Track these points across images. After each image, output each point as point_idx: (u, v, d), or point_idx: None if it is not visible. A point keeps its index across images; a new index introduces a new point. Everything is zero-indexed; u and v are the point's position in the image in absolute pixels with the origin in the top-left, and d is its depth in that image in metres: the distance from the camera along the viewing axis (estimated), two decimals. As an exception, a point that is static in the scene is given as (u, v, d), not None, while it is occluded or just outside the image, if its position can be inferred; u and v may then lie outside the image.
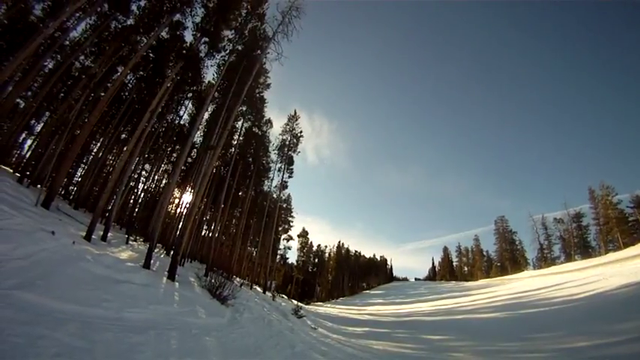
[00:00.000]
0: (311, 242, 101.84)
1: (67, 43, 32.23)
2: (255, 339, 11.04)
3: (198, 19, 26.60)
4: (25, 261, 7.74)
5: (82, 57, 33.88)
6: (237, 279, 37.81)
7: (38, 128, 40.80)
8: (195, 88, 36.87)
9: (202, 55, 27.94)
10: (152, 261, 16.33)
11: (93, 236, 16.37)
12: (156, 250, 16.91)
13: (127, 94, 37.47)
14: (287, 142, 48.52)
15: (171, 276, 15.37)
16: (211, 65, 32.92)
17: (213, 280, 16.56)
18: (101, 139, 40.48)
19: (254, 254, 61.28)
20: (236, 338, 10.01)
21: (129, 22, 31.12)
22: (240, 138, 38.98)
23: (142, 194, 46.23)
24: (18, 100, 32.15)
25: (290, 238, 66.12)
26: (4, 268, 6.75)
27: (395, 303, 61.80)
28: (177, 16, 27.25)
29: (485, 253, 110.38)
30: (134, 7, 29.97)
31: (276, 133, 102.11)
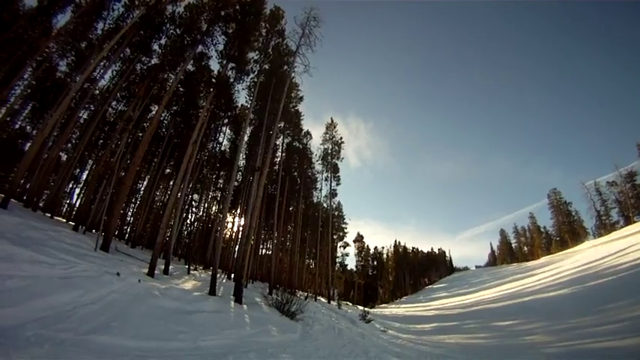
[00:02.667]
0: (367, 246, 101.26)
1: (97, 92, 33.13)
2: (330, 350, 10.98)
3: (220, 47, 26.77)
4: (96, 305, 7.86)
5: (114, 102, 34.72)
6: (300, 293, 37.90)
7: (84, 175, 41.94)
8: (230, 113, 37.14)
9: (232, 80, 28.17)
10: (216, 287, 16.51)
11: (155, 271, 16.76)
12: (217, 276, 16.99)
13: (164, 130, 38.15)
14: (329, 151, 48.37)
15: (238, 299, 15.51)
16: (242, 89, 33.27)
17: (279, 298, 16.58)
18: (147, 177, 41.32)
19: (312, 266, 61.46)
20: (311, 352, 9.97)
21: (153, 62, 31.86)
22: (283, 154, 38.92)
23: (195, 223, 46.64)
24: (60, 153, 33.12)
25: (346, 244, 65.79)
26: (78, 315, 6.85)
27: (459, 294, 61.06)
28: (200, 48, 27.55)
29: (542, 230, 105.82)
30: (155, 47, 30.81)
31: (316, 144, 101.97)
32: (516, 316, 22.46)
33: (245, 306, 14.74)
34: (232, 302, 15.02)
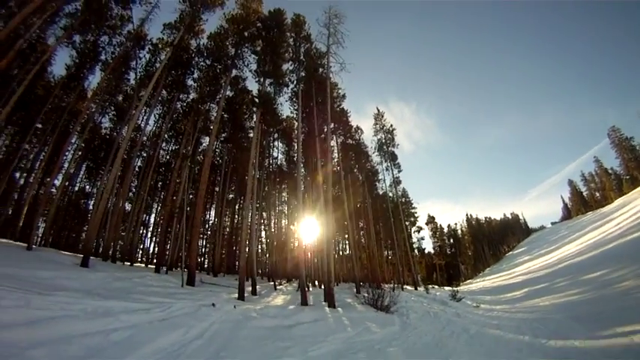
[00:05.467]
0: (440, 225, 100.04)
1: (145, 138, 34.28)
2: (432, 335, 10.99)
3: (254, 66, 27.00)
4: (201, 339, 8.00)
5: (163, 144, 35.62)
6: (386, 285, 37.83)
7: (152, 219, 43.36)
8: (278, 127, 37.57)
9: (272, 94, 28.43)
10: (307, 297, 16.67)
11: (245, 294, 17.05)
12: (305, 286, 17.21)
13: (218, 159, 38.89)
14: (384, 140, 48.16)
15: (331, 304, 15.63)
16: (285, 101, 33.67)
17: (369, 295, 16.61)
18: (212, 207, 42.32)
19: (390, 257, 61.20)
20: (415, 340, 9.98)
21: (191, 97, 32.65)
22: (339, 154, 38.45)
23: (268, 240, 47.20)
24: (125, 204, 34.19)
25: (420, 228, 64.70)
26: (187, 353, 6.96)
27: (541, 254, 59.86)
28: (234, 72, 28.21)
29: (610, 171, 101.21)
30: (190, 82, 31.52)
31: (367, 137, 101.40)
32: (604, 266, 21.89)
33: (340, 309, 14.86)
34: (326, 308, 15.17)
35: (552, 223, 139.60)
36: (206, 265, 41.93)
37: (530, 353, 8.63)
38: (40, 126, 32.66)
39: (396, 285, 40.38)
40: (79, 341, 6.09)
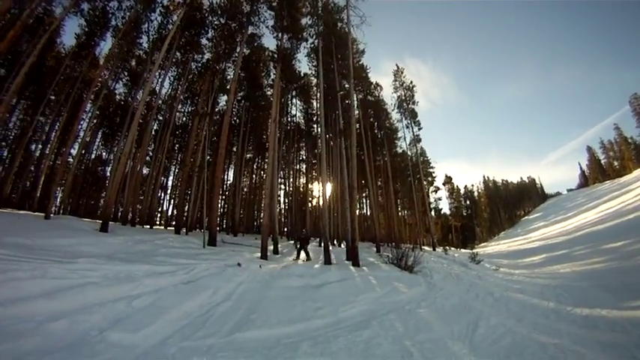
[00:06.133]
0: (457, 186, 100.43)
1: (161, 101, 34.21)
2: (458, 297, 10.87)
3: (270, 22, 26.83)
4: (230, 301, 7.94)
5: (179, 106, 35.53)
6: (404, 245, 38.13)
7: (170, 182, 43.97)
8: (296, 84, 37.54)
9: (291, 50, 28.06)
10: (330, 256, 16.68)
11: (267, 254, 17.08)
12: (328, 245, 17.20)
13: (235, 119, 38.75)
14: (403, 97, 47.40)
15: (356, 263, 15.61)
16: (304, 56, 33.25)
17: (392, 255, 16.56)
18: (231, 167, 42.44)
19: (407, 217, 61.32)
20: (443, 302, 9.83)
21: (206, 57, 32.58)
22: (358, 111, 38.09)
23: (286, 199, 48.23)
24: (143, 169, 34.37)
25: (437, 189, 64.47)
26: (215, 316, 6.86)
27: (557, 221, 59.97)
28: (250, 29, 27.57)
29: (630, 140, 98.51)
30: (204, 41, 31.23)
31: (387, 94, 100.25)
32: (626, 236, 21.60)
33: (365, 268, 14.78)
34: (351, 267, 15.13)
35: (568, 190, 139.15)
36: (224, 226, 42.20)
37: (556, 319, 8.47)
38: (53, 97, 32.97)
39: (415, 246, 40.37)
40: (101, 310, 5.97)
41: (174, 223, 30.71)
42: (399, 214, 56.59)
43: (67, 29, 33.81)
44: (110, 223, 18.30)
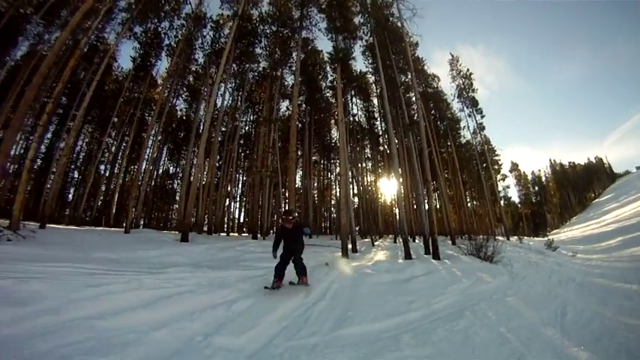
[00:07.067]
0: (524, 172, 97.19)
1: (223, 113, 34.68)
2: (542, 285, 10.90)
3: (322, 25, 26.95)
4: (324, 300, 8.14)
5: (241, 116, 36.27)
6: (476, 236, 37.93)
7: (239, 190, 44.79)
8: (355, 83, 37.42)
9: (346, 51, 28.40)
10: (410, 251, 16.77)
11: (348, 252, 17.19)
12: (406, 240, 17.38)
13: (298, 123, 39.43)
14: (462, 86, 46.33)
15: (436, 256, 15.76)
16: (360, 54, 33.60)
17: (470, 246, 16.68)
18: (299, 169, 43.06)
19: (477, 208, 60.42)
20: (527, 290, 9.95)
21: (262, 65, 33.41)
22: (419, 103, 37.52)
23: (356, 197, 47.68)
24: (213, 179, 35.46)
25: (504, 177, 62.73)
26: (314, 315, 7.08)
27: (631, 201, 57.73)
28: (304, 34, 27.90)
29: None
30: (257, 50, 31.70)
31: (444, 85, 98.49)
32: None
33: (446, 261, 14.83)
34: (432, 260, 15.24)
35: (637, 168, 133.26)
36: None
37: (642, 302, 8.47)
38: (116, 120, 34.36)
39: (487, 236, 39.92)
40: (201, 316, 6.21)
41: (244, 229, 31.37)
42: (469, 205, 55.83)
43: (122, 53, 35.00)
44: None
